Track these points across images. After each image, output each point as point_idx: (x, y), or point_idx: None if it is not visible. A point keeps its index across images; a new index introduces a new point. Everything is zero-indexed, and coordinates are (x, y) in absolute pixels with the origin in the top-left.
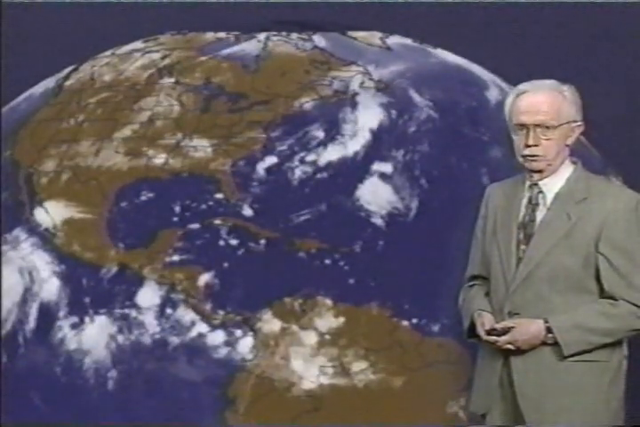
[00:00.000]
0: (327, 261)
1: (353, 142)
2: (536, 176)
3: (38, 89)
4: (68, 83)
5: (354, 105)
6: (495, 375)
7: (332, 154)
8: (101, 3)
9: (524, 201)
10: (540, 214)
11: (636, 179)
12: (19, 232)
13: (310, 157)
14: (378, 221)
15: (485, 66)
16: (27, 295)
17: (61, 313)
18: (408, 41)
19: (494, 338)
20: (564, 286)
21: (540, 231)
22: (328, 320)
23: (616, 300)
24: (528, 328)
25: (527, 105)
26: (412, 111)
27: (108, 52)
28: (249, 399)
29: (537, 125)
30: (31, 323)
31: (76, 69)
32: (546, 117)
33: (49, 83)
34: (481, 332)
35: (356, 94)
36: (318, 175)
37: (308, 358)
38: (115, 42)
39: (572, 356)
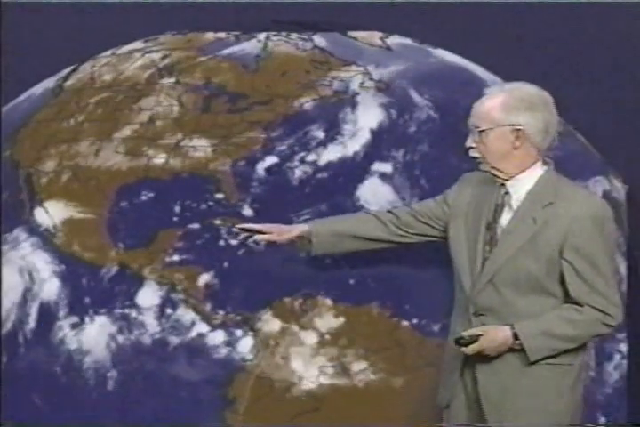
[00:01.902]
0: (327, 261)
1: (353, 142)
2: (495, 178)
3: (38, 89)
4: (68, 83)
5: (354, 105)
6: (456, 370)
7: (331, 154)
8: (101, 3)
9: (493, 201)
10: (505, 216)
11: (636, 179)
12: (19, 232)
13: (310, 157)
14: None
15: (485, 66)
16: (27, 295)
17: (61, 313)
18: (408, 41)
19: (462, 349)
20: (528, 289)
21: (505, 234)
22: (328, 320)
23: (581, 305)
24: (495, 336)
25: (473, 108)
26: (412, 111)
27: (107, 52)
28: (249, 399)
29: (475, 128)
30: (31, 323)
31: (75, 69)
32: (476, 121)
33: (49, 83)
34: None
35: (356, 94)
36: (318, 175)
37: (308, 358)
38: (115, 42)
39: (537, 361)
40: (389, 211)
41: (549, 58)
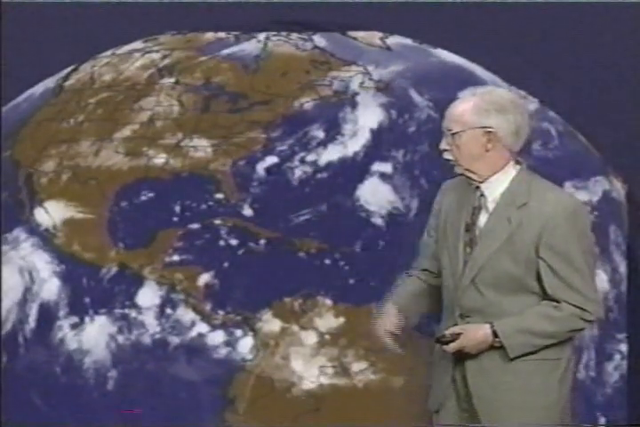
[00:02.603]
0: (327, 261)
1: (353, 142)
2: (470, 180)
3: (38, 89)
4: (68, 83)
5: (354, 105)
6: (447, 374)
7: (331, 154)
8: (101, 3)
9: (471, 204)
10: (482, 218)
11: (636, 179)
12: (19, 232)
13: (310, 157)
14: (378, 221)
15: (485, 66)
16: (27, 295)
17: (61, 313)
18: (408, 41)
19: (444, 347)
20: (509, 289)
21: (482, 236)
22: (328, 320)
23: (559, 302)
24: (475, 334)
25: (447, 111)
26: (412, 111)
27: (108, 52)
28: (249, 399)
29: (447, 131)
30: (31, 323)
31: (75, 69)
32: (449, 124)
33: (49, 83)
34: (379, 331)
35: (356, 94)
36: (318, 175)
37: (308, 358)
38: (115, 42)
39: (519, 357)
40: (419, 271)
41: (549, 58)
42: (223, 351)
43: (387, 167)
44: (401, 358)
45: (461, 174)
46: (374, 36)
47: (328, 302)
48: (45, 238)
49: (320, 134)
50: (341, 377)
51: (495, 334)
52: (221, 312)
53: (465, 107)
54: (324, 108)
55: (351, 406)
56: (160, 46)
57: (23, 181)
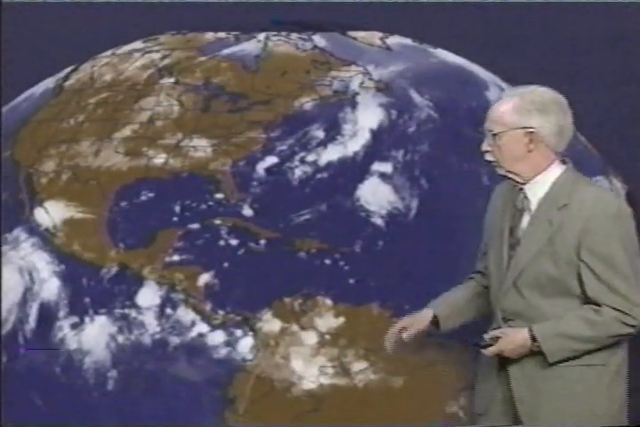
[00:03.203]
0: (327, 261)
1: (353, 142)
2: (513, 182)
3: (38, 89)
4: (68, 83)
5: (354, 105)
6: (492, 379)
7: (331, 154)
8: (101, 3)
9: (515, 206)
10: (524, 220)
11: (637, 179)
12: (19, 232)
13: (310, 157)
14: (378, 221)
15: (485, 66)
16: (27, 295)
17: (61, 313)
18: (408, 41)
19: (482, 351)
20: (550, 291)
21: (524, 238)
22: (328, 320)
23: (600, 306)
24: (514, 338)
25: (488, 112)
26: (412, 111)
27: (108, 52)
28: (249, 399)
29: (488, 132)
30: (31, 323)
31: (75, 69)
32: (490, 125)
33: (49, 83)
34: (392, 332)
35: (356, 94)
36: (318, 175)
37: (308, 358)
38: (115, 42)
39: (561, 362)
40: (476, 273)
41: (549, 58)
42: (223, 351)
43: (387, 167)
44: (401, 358)
45: (504, 177)
46: (374, 36)
47: (328, 302)
48: (45, 238)
49: (320, 134)
50: (341, 377)
51: (534, 338)
52: (221, 312)
53: (506, 107)
54: (324, 108)
55: (351, 406)
56: (160, 46)
57: (23, 181)
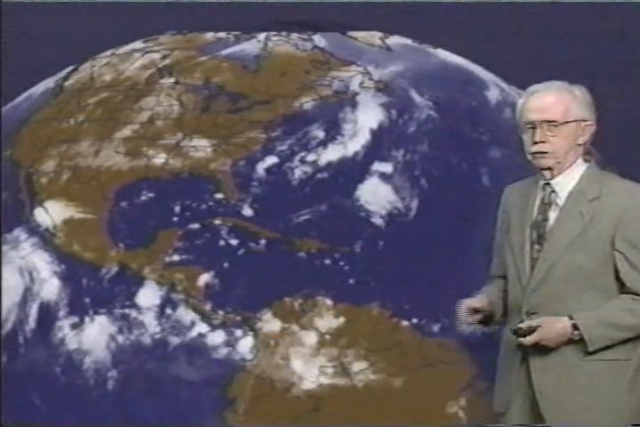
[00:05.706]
0: (327, 261)
1: (353, 142)
2: (547, 174)
3: (38, 89)
4: (67, 83)
5: (354, 105)
6: (513, 374)
7: (331, 154)
8: (101, 3)
9: (537, 201)
10: (553, 214)
11: (636, 179)
12: (19, 232)
13: (310, 157)
14: (378, 221)
15: (485, 66)
16: (27, 295)
17: (61, 313)
18: (408, 41)
19: (520, 340)
20: (581, 285)
21: (554, 231)
22: (328, 320)
23: (638, 295)
24: (554, 326)
25: (536, 103)
26: (412, 111)
27: (107, 52)
28: (249, 399)
29: (545, 123)
30: (31, 323)
31: (75, 69)
32: (552, 114)
33: (49, 83)
34: (463, 307)
35: (356, 94)
36: (318, 175)
37: (308, 358)
38: (115, 42)
39: (595, 352)
40: (495, 278)
41: (549, 58)
42: (223, 351)
43: (387, 167)
44: (401, 358)
45: (534, 174)
46: (374, 36)
47: (328, 302)
48: (45, 238)
49: (320, 134)
50: (341, 377)
51: (575, 327)
52: (221, 312)
53: (566, 98)
54: (324, 108)
55: (351, 406)
56: (160, 46)
57: (23, 181)
